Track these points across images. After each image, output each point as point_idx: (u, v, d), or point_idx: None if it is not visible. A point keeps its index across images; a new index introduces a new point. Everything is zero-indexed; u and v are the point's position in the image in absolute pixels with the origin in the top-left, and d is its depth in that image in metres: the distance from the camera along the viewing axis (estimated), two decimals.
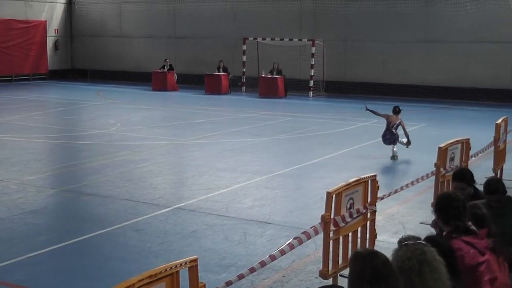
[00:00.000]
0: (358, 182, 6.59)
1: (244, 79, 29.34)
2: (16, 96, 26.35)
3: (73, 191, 10.89)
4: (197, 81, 30.01)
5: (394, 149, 14.62)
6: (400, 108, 14.92)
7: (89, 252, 7.87)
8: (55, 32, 35.13)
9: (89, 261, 7.57)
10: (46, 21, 34.28)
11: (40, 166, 12.93)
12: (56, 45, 35.17)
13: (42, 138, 16.52)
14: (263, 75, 27.68)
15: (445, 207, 4.91)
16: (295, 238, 6.01)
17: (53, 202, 10.33)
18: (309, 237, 6.09)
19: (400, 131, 14.58)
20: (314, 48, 27.62)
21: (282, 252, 5.85)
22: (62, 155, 14.87)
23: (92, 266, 7.39)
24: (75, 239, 8.26)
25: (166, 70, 29.53)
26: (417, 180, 9.47)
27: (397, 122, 14.66)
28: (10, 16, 32.28)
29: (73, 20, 35.82)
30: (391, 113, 14.87)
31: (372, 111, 15.26)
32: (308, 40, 27.87)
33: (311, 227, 6.15)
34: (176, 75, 29.79)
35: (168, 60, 29.83)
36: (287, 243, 5.96)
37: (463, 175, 6.50)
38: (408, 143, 14.61)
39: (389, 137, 14.60)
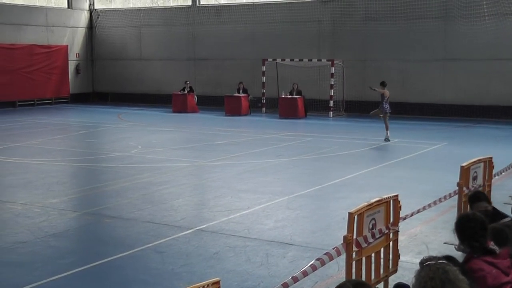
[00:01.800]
0: (380, 202, 6.55)
1: (264, 100, 29.42)
2: (38, 120, 26.66)
3: (95, 214, 10.94)
4: (217, 103, 30.16)
5: (388, 134, 19.54)
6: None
7: (111, 275, 7.88)
8: (76, 56, 35.58)
9: (111, 284, 7.58)
10: (67, 45, 34.74)
11: (63, 189, 13.03)
12: (77, 69, 35.59)
13: (65, 161, 16.66)
14: (283, 96, 27.74)
15: (461, 227, 4.93)
16: (317, 259, 5.97)
17: (76, 225, 10.38)
18: (331, 258, 6.05)
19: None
20: (333, 68, 27.65)
21: (305, 274, 5.81)
22: (84, 178, 14.97)
23: None
24: (97, 262, 8.28)
25: (186, 92, 29.71)
26: (440, 200, 9.38)
27: (388, 95, 19.75)
28: (32, 42, 32.77)
29: (94, 44, 36.26)
30: (384, 89, 19.72)
31: (374, 89, 20.19)
32: (327, 60, 27.92)
33: (333, 248, 6.11)
34: (196, 97, 29.96)
35: (188, 82, 30.03)
36: (309, 264, 5.92)
37: (480, 196, 6.48)
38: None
39: (387, 107, 19.71)
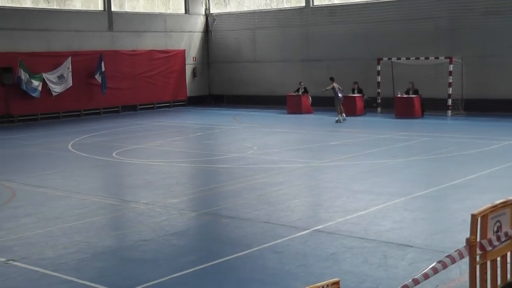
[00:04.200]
0: (505, 204, 6.28)
1: (379, 100, 28.95)
2: (157, 122, 27.63)
3: (213, 213, 11.18)
4: (332, 104, 29.92)
5: (341, 116, 25.02)
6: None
7: (229, 274, 8.01)
8: (193, 60, 36.54)
9: (229, 283, 7.71)
10: (184, 50, 35.76)
11: (182, 190, 13.42)
12: (194, 72, 36.56)
13: (183, 163, 17.16)
14: (399, 95, 27.18)
15: None
16: (439, 262, 5.79)
17: (195, 225, 10.66)
18: (453, 261, 5.86)
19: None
20: (451, 65, 26.77)
21: (426, 276, 5.66)
22: (202, 178, 15.35)
23: None
24: (215, 261, 8.46)
25: (300, 93, 29.76)
26: None
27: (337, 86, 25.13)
28: (152, 47, 34.01)
29: (209, 47, 37.10)
30: (333, 83, 25.24)
31: (326, 89, 25.57)
32: (445, 58, 27.06)
33: (455, 251, 5.91)
34: (310, 98, 29.93)
35: (302, 83, 30.06)
36: (430, 266, 5.75)
37: None
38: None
39: (341, 96, 25.14)
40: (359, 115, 27.82)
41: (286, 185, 13.36)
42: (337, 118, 25.15)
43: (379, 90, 28.88)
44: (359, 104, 28.15)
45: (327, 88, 25.48)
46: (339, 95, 25.08)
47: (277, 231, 9.78)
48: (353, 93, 28.55)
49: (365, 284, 7.34)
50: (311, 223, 10.18)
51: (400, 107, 26.85)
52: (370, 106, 28.85)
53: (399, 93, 27.33)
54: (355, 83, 28.73)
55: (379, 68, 28.88)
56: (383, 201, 11.48)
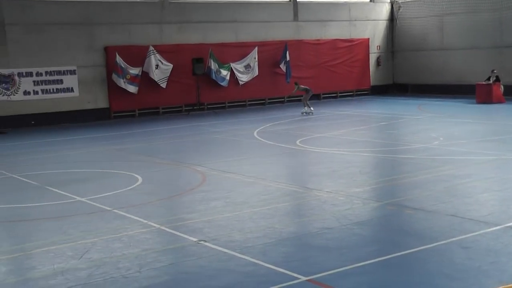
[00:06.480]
0: None
1: None
2: (341, 111, 27.65)
3: (396, 204, 10.96)
4: None
5: (312, 109, 26.52)
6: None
7: (414, 267, 7.82)
8: (377, 49, 36.07)
9: (414, 275, 7.52)
10: (369, 38, 35.40)
11: (366, 179, 13.31)
12: (378, 61, 36.08)
13: (366, 152, 17.02)
14: None
15: None
16: None
17: (378, 215, 10.52)
18: None
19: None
20: None
21: None
22: (385, 168, 15.10)
23: (418, 282, 7.32)
24: (399, 253, 8.29)
25: (491, 81, 28.22)
26: None
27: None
28: (336, 36, 34.06)
29: (394, 36, 36.39)
30: (298, 86, 26.90)
31: (303, 89, 26.91)
32: None
33: None
34: (502, 87, 28.28)
35: (495, 71, 28.47)
36: None
37: None
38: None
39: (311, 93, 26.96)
40: None
41: (474, 178, 12.74)
42: (304, 110, 26.60)
43: None
44: None
45: (301, 87, 26.99)
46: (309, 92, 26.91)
47: (464, 225, 9.37)
48: None
49: None
50: (503, 219, 9.61)
51: None
52: None
53: None
54: None
55: None
56: None
